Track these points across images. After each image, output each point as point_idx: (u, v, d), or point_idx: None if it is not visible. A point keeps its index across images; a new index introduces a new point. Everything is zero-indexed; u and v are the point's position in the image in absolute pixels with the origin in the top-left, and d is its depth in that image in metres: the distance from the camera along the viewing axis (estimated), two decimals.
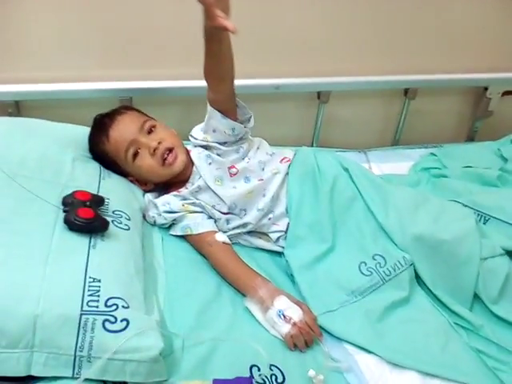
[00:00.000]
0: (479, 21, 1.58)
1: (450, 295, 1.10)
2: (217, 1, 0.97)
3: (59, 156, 1.17)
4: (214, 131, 1.24)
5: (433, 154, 1.62)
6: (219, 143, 1.25)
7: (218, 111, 1.21)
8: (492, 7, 1.56)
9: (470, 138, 1.79)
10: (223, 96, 1.21)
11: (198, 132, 1.28)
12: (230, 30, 0.95)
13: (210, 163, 1.23)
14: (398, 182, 1.43)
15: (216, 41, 1.07)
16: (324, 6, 1.47)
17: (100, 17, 1.36)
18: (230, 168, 1.23)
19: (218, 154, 1.25)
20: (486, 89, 1.68)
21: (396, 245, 1.15)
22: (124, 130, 1.20)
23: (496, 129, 1.71)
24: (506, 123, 1.74)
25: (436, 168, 1.55)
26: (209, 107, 1.23)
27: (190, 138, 1.30)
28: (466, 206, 1.26)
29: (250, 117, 1.27)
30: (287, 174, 1.25)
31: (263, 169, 1.26)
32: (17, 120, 1.29)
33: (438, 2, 1.53)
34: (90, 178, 1.15)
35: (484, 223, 1.23)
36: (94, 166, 1.21)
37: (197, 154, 1.25)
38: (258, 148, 1.30)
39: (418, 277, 1.14)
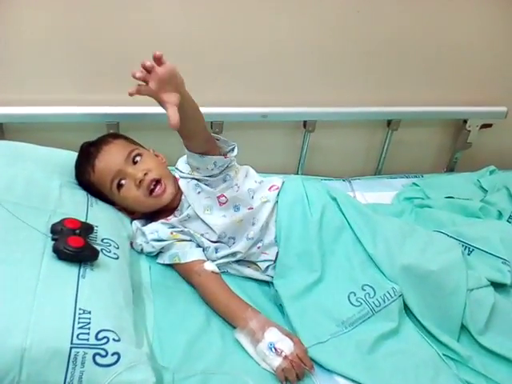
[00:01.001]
0: (460, 57, 1.63)
1: (438, 326, 1.11)
2: (160, 87, 0.93)
3: (46, 182, 1.14)
4: (197, 168, 1.21)
5: (415, 183, 1.65)
6: (205, 176, 1.22)
7: (196, 153, 1.18)
8: (473, 44, 1.62)
9: (450, 169, 1.83)
10: (197, 144, 1.17)
11: (183, 165, 1.25)
12: (170, 123, 0.90)
13: (198, 192, 1.22)
14: (383, 212, 1.45)
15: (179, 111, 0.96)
16: (311, 39, 1.50)
17: (88, 40, 1.35)
18: (219, 197, 1.22)
19: (207, 184, 1.23)
20: (465, 121, 1.73)
21: (385, 275, 1.16)
22: (110, 160, 1.18)
23: (474, 160, 1.76)
24: (483, 155, 1.79)
25: (419, 198, 1.57)
26: (186, 150, 1.19)
27: (176, 170, 1.27)
28: (450, 236, 1.27)
29: (234, 147, 1.23)
30: (276, 202, 1.25)
31: (252, 197, 1.25)
32: (1, 143, 1.25)
33: (421, 37, 1.58)
34: (77, 205, 1.13)
35: (468, 254, 1.24)
36: (82, 193, 1.19)
37: (185, 183, 1.23)
38: (246, 176, 1.29)
39: (406, 307, 1.14)
